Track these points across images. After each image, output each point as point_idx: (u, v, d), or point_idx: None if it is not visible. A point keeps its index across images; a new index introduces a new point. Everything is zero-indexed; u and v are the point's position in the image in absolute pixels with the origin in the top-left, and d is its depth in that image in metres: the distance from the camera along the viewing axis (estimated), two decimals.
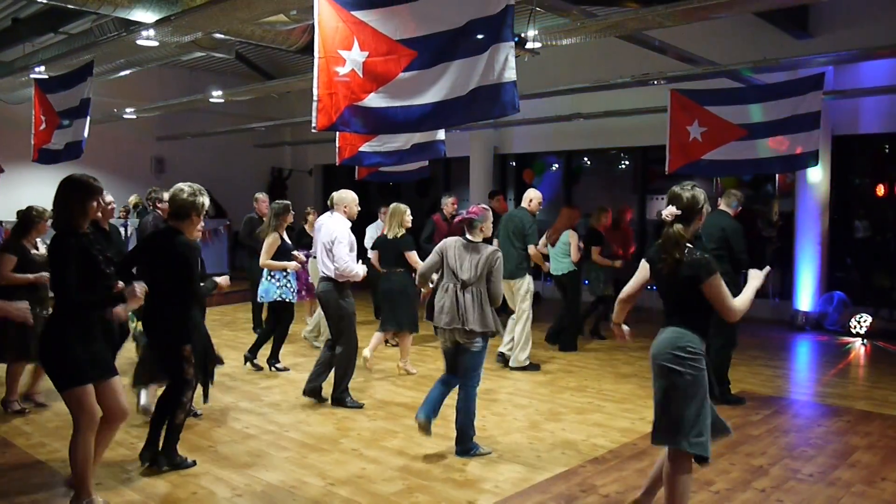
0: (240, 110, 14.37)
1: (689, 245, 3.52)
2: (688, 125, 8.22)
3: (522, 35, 6.72)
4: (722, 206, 6.55)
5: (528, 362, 7.50)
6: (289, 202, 7.44)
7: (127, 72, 9.62)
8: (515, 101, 4.10)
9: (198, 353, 4.90)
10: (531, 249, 7.38)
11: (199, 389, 5.63)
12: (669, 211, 3.60)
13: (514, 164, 14.76)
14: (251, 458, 4.84)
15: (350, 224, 6.23)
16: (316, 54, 4.72)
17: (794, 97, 7.55)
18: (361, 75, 4.63)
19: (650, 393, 3.67)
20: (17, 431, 5.33)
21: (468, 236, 5.01)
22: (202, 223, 4.72)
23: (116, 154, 14.35)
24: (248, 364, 7.41)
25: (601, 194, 13.78)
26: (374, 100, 4.60)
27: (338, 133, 7.85)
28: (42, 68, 8.08)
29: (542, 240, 8.41)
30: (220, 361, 5.75)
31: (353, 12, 4.56)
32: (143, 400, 5.46)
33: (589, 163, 14.81)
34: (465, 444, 4.92)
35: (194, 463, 4.68)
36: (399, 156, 7.66)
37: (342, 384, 6.11)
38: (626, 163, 14.22)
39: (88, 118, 7.08)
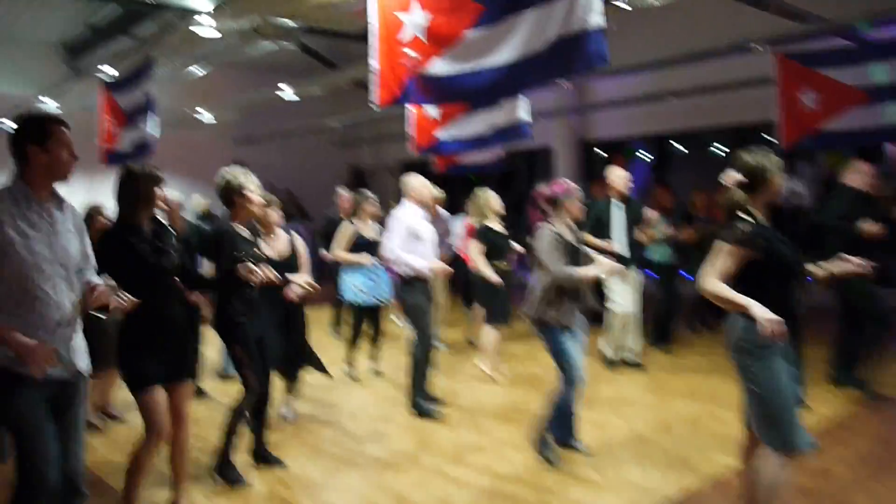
0: (316, 109, 14.08)
1: (744, 216, 3.08)
2: (799, 92, 7.30)
3: None
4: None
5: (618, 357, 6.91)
6: (367, 192, 6.95)
7: (198, 70, 9.33)
8: (604, 51, 3.43)
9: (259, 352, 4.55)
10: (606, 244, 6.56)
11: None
12: (730, 176, 3.14)
13: (601, 152, 13.85)
14: (322, 477, 4.35)
15: (420, 212, 5.65)
16: (371, 20, 4.20)
17: None
18: (425, 40, 4.08)
19: None
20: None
21: (550, 220, 4.38)
22: (256, 198, 4.30)
23: (196, 158, 14.27)
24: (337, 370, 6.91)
25: (699, 180, 12.73)
26: (438, 66, 4.04)
27: (412, 121, 7.34)
28: (107, 68, 7.91)
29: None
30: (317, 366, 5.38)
31: None
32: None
33: (683, 146, 13.81)
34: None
35: (249, 484, 4.23)
36: (480, 142, 7.03)
37: (417, 387, 5.55)
38: (723, 148, 13.15)
39: (155, 116, 6.82)
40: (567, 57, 3.54)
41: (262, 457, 4.52)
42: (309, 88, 10.33)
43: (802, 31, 7.94)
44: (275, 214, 5.02)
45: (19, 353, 2.62)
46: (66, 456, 2.87)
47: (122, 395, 5.95)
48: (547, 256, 4.28)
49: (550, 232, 4.33)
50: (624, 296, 6.73)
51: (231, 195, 4.26)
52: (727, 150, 12.78)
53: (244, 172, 4.29)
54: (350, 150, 17.19)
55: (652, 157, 13.46)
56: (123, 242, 3.39)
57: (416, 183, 5.66)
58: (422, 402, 5.53)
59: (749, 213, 3.08)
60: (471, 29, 3.99)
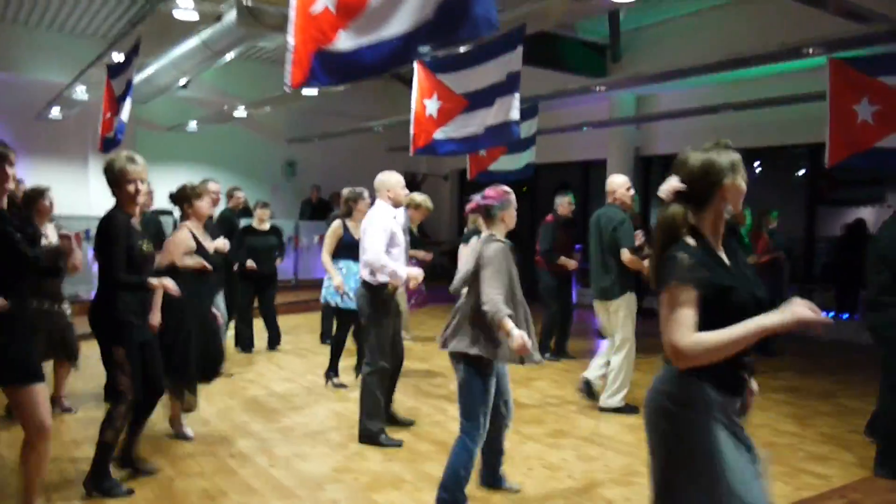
0: (368, 111, 13.82)
1: (689, 240, 2.14)
2: (854, 104, 6.38)
3: None
4: None
5: (622, 404, 5.85)
6: (362, 189, 6.52)
7: (230, 57, 9.00)
8: (491, 15, 2.88)
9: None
10: (625, 255, 5.76)
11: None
12: (669, 185, 2.20)
13: (657, 166, 12.88)
14: (212, 495, 3.89)
15: (395, 212, 5.09)
16: None
17: None
18: (334, 11, 3.59)
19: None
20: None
21: (484, 230, 3.74)
22: (141, 188, 3.81)
23: (248, 156, 14.42)
24: (328, 383, 6.46)
25: (768, 204, 11.59)
26: (343, 40, 3.56)
27: (412, 120, 6.91)
28: (116, 54, 7.76)
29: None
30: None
31: None
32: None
33: (758, 167, 12.68)
34: None
35: (131, 492, 3.86)
36: (473, 141, 6.52)
37: (372, 414, 4.89)
38: (801, 168, 11.95)
39: (130, 100, 6.61)
40: (451, 21, 3.02)
41: (131, 464, 4.15)
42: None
43: (865, 34, 6.95)
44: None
45: None
46: None
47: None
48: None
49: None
50: (620, 328, 5.89)
51: (118, 179, 3.79)
52: (806, 169, 11.59)
53: (130, 157, 3.80)
54: (405, 155, 16.83)
55: None
56: None
57: (393, 181, 5.07)
58: (374, 429, 4.88)
59: (694, 236, 2.16)
60: None
